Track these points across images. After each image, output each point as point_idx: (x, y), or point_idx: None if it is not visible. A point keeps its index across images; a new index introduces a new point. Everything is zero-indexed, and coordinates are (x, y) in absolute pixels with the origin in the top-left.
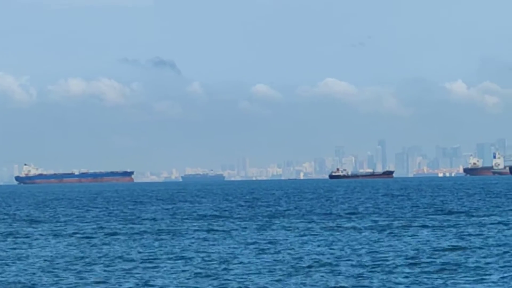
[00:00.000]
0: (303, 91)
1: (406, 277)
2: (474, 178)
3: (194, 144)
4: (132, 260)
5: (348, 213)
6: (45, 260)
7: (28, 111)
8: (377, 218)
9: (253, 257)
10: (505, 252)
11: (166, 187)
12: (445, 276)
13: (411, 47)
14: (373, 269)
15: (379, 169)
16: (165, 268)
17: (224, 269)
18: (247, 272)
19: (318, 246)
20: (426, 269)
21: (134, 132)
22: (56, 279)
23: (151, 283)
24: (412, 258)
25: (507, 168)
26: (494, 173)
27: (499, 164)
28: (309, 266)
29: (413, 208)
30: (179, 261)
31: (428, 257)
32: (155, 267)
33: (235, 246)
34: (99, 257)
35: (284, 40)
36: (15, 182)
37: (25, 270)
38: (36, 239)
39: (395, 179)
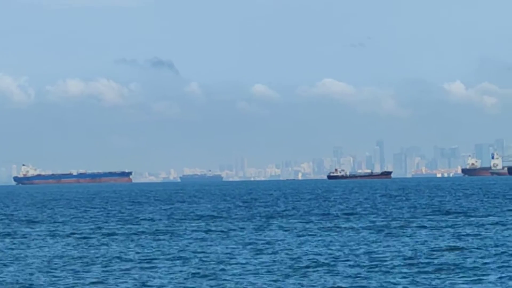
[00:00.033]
0: (301, 91)
1: (404, 277)
2: (473, 179)
3: (192, 145)
4: (130, 261)
5: (346, 214)
6: (43, 261)
7: (26, 111)
8: (375, 219)
9: (251, 258)
10: (502, 253)
11: (164, 187)
12: (443, 276)
13: (410, 48)
14: (371, 270)
15: (377, 170)
16: (162, 269)
17: (222, 269)
18: (245, 273)
19: (316, 246)
20: (424, 270)
21: (132, 133)
22: (54, 279)
23: (149, 283)
24: (410, 258)
25: (506, 168)
26: (492, 173)
27: (497, 165)
28: (307, 267)
29: (411, 209)
30: (177, 262)
31: (426, 258)
32: (152, 267)
33: (233, 246)
34: (97, 257)
35: (282, 41)
36: (13, 183)
37: (23, 270)
38: (34, 239)
39: (393, 179)
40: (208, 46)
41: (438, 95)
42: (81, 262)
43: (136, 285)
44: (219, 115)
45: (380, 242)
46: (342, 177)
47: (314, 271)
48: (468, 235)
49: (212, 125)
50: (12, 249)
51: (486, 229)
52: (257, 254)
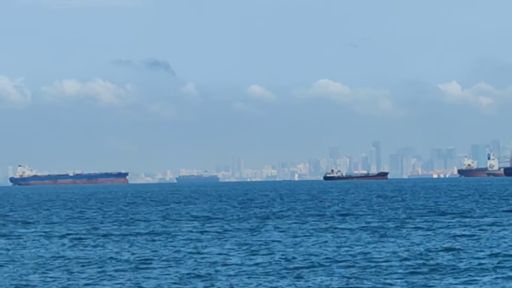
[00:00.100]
0: (297, 92)
1: (399, 278)
2: (469, 180)
3: (188, 145)
4: (125, 261)
5: (342, 215)
6: (38, 261)
7: (22, 112)
8: (370, 220)
9: (246, 259)
10: (498, 253)
11: (161, 188)
12: (438, 277)
13: (406, 49)
14: (366, 270)
15: (374, 171)
16: (158, 270)
17: (217, 270)
18: (240, 274)
19: (311, 247)
20: (419, 270)
21: (128, 133)
22: (49, 280)
23: (144, 284)
24: (405, 259)
25: (502, 169)
26: (488, 174)
27: (493, 166)
28: (302, 267)
29: (407, 210)
30: (172, 262)
31: (421, 258)
32: (148, 268)
33: (228, 247)
34: (92, 258)
35: (278, 41)
36: (10, 183)
37: (18, 271)
38: (30, 240)
39: (389, 180)
40: (204, 47)
41: (434, 96)
42: (76, 263)
43: (131, 286)
44: (215, 116)
45: (376, 243)
46: (339, 178)
47: (309, 272)
48: (463, 236)
49: (208, 126)
50: (8, 249)
51: (482, 230)
52: (253, 255)
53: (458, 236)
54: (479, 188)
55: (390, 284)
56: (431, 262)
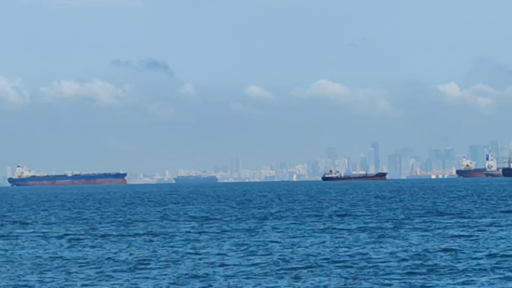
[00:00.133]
0: (296, 92)
1: (397, 278)
2: (467, 180)
3: (187, 146)
4: (123, 262)
5: (340, 215)
6: (36, 262)
7: (21, 112)
8: (369, 220)
9: (244, 259)
10: (496, 254)
11: (159, 188)
12: (435, 277)
13: (404, 49)
14: (364, 271)
15: (372, 171)
16: (156, 270)
17: (215, 271)
18: (238, 274)
19: (309, 247)
20: (417, 271)
21: (127, 134)
22: (46, 280)
23: (142, 285)
24: (403, 259)
25: (500, 170)
26: (487, 175)
27: (492, 166)
28: (300, 268)
29: (405, 210)
30: (170, 263)
31: (419, 259)
32: (146, 268)
33: (226, 248)
34: (90, 258)
35: (276, 42)
36: (8, 184)
37: (16, 271)
38: (28, 240)
39: (388, 181)
40: (202, 47)
41: (433, 96)
42: (74, 264)
43: (129, 286)
44: (213, 116)
45: (374, 243)
46: (337, 178)
47: (307, 272)
48: (461, 236)
49: (206, 126)
50: (6, 250)
51: (480, 230)
52: (251, 255)
53: (456, 236)
54: (477, 188)
55: (388, 285)
56: (429, 262)
